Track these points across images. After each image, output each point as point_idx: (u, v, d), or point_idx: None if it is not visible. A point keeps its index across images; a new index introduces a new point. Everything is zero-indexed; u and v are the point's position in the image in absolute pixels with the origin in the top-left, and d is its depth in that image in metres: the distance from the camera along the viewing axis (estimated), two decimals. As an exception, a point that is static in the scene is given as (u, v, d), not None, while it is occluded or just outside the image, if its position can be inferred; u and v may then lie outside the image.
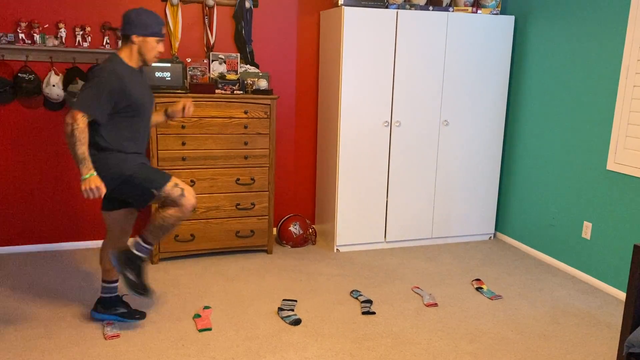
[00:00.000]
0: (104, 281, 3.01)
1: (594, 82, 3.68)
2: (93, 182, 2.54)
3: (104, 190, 2.57)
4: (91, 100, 2.56)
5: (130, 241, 2.95)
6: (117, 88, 2.61)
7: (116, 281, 3.02)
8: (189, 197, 2.78)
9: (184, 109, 3.01)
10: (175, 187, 2.77)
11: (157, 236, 2.83)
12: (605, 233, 3.64)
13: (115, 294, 3.05)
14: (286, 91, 4.40)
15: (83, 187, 2.54)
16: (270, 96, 3.87)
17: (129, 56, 2.73)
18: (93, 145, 2.69)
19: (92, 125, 2.67)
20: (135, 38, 2.69)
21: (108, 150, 2.70)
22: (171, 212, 2.77)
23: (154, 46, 2.74)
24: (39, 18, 3.75)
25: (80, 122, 2.52)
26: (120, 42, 2.71)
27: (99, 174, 2.66)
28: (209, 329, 2.96)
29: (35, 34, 3.70)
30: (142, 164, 2.79)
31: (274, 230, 4.49)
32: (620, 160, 3.49)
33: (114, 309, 3.02)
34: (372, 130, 4.11)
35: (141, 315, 3.05)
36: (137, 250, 2.83)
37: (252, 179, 3.96)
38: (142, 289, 2.83)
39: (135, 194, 2.76)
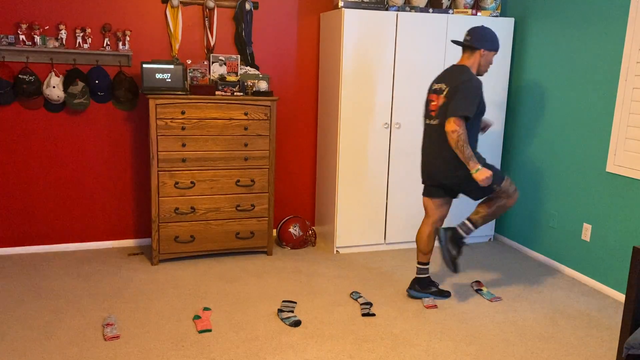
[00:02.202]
0: (419, 263, 3.43)
1: (594, 84, 3.68)
2: (486, 173, 3.02)
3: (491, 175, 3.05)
4: (470, 106, 3.01)
5: (458, 223, 3.38)
6: (480, 96, 3.08)
7: (428, 263, 3.43)
8: (517, 191, 3.28)
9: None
10: (511, 184, 3.24)
11: (486, 221, 3.30)
12: (605, 235, 3.64)
13: (428, 275, 3.46)
14: (286, 93, 4.40)
15: (481, 178, 3.02)
16: (270, 98, 3.88)
17: (471, 66, 3.16)
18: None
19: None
20: (482, 52, 3.14)
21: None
22: (503, 202, 3.24)
23: (491, 59, 3.20)
24: (40, 20, 3.76)
25: (462, 127, 2.99)
26: (463, 54, 3.22)
27: (462, 170, 3.11)
28: (209, 330, 2.97)
29: (35, 36, 3.70)
30: (487, 163, 3.20)
31: (274, 231, 4.49)
32: (619, 162, 3.49)
33: (428, 288, 3.44)
34: (372, 132, 4.11)
35: (447, 294, 3.48)
36: (463, 232, 3.30)
37: (252, 181, 3.96)
38: (455, 264, 3.30)
39: (480, 187, 3.15)
